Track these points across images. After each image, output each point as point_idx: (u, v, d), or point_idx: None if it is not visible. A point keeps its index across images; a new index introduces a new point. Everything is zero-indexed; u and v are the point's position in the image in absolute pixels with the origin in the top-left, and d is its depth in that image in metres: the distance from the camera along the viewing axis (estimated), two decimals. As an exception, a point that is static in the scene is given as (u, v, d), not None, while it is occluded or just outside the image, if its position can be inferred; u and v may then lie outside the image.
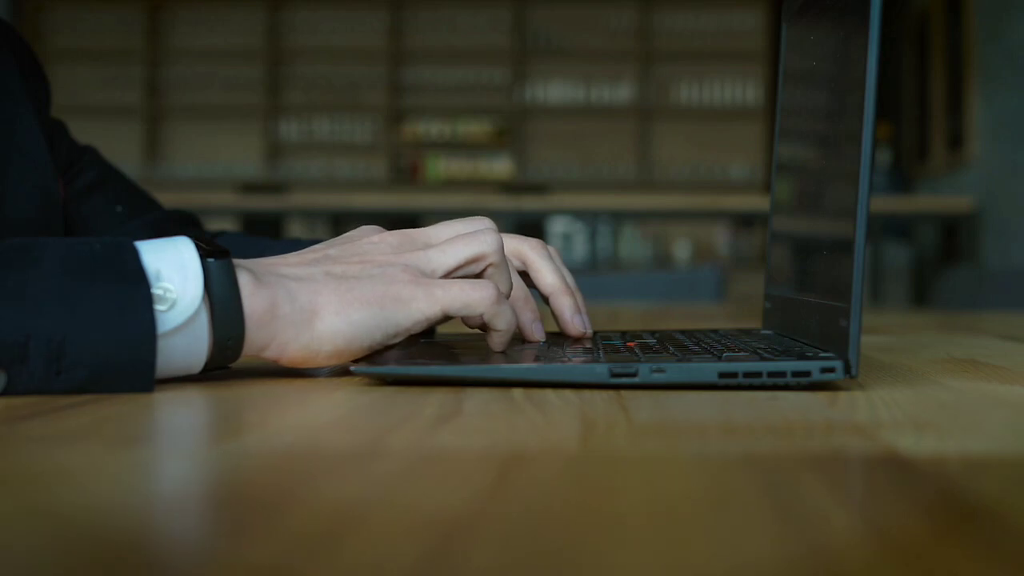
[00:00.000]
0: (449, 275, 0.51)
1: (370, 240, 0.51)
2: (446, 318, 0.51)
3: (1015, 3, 3.82)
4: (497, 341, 0.52)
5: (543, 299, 0.63)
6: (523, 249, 0.62)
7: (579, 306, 0.62)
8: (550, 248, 0.64)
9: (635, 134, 5.73)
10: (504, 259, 0.53)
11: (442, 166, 5.78)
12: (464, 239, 0.52)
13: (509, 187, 4.99)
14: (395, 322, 0.48)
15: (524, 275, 0.63)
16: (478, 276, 0.53)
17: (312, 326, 0.47)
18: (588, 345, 0.56)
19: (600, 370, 0.45)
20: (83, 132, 0.84)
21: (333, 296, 0.47)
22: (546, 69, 5.77)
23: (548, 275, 0.62)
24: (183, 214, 0.87)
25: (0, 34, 0.72)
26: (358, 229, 0.53)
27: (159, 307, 0.43)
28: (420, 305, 0.48)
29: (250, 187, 4.57)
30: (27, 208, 0.68)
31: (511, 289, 0.54)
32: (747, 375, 0.45)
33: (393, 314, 0.48)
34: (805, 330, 0.54)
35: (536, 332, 0.58)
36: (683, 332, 0.64)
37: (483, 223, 0.54)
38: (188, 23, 5.79)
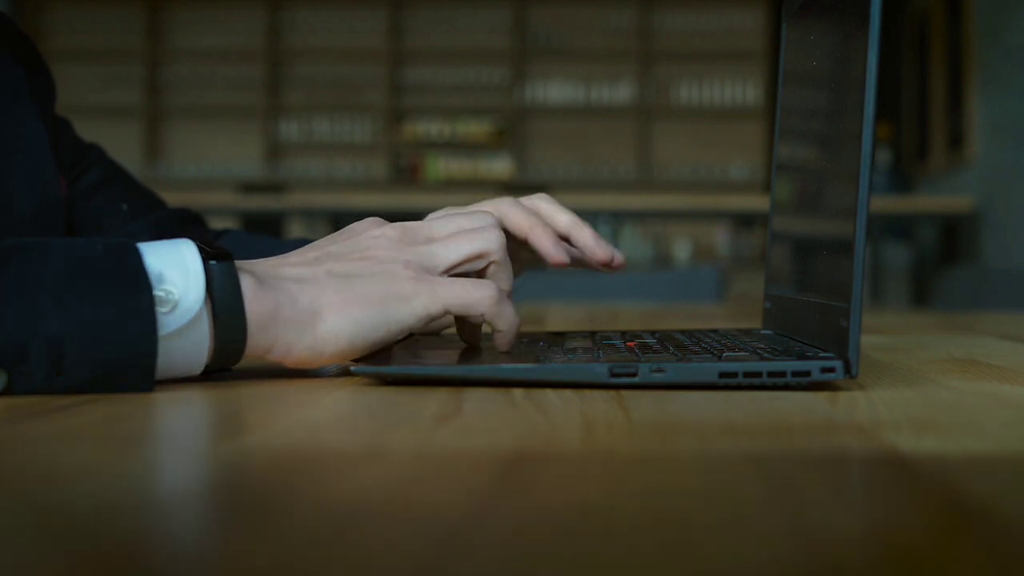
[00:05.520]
0: (450, 270, 0.51)
1: (371, 234, 0.51)
2: (447, 316, 0.51)
3: (1015, 3, 3.82)
4: (502, 341, 0.52)
5: (563, 239, 0.66)
6: (535, 203, 0.66)
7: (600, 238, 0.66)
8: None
9: (635, 134, 5.73)
10: (506, 257, 0.53)
11: (442, 166, 5.78)
12: (467, 235, 0.52)
13: (509, 187, 4.99)
14: (398, 319, 0.48)
15: (525, 251, 0.66)
16: (479, 273, 0.53)
17: (315, 327, 0.47)
18: (588, 344, 0.56)
19: (600, 370, 0.45)
20: (83, 132, 0.84)
21: (335, 296, 0.47)
22: (546, 69, 5.77)
23: (562, 215, 0.66)
24: (187, 213, 0.87)
25: (2, 31, 0.72)
26: (360, 222, 0.53)
27: (160, 309, 0.43)
28: (423, 301, 0.48)
29: (250, 187, 4.57)
30: (30, 207, 0.68)
31: (511, 288, 0.54)
32: (747, 375, 0.45)
33: (396, 312, 0.48)
34: (805, 330, 0.54)
35: (558, 254, 0.62)
36: (683, 332, 0.64)
37: (486, 219, 0.54)
38: (188, 23, 5.79)
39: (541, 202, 0.67)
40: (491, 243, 0.52)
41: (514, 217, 0.64)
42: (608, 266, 0.66)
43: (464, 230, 0.52)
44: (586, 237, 0.65)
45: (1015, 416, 0.40)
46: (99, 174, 0.81)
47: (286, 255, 0.50)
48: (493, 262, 0.52)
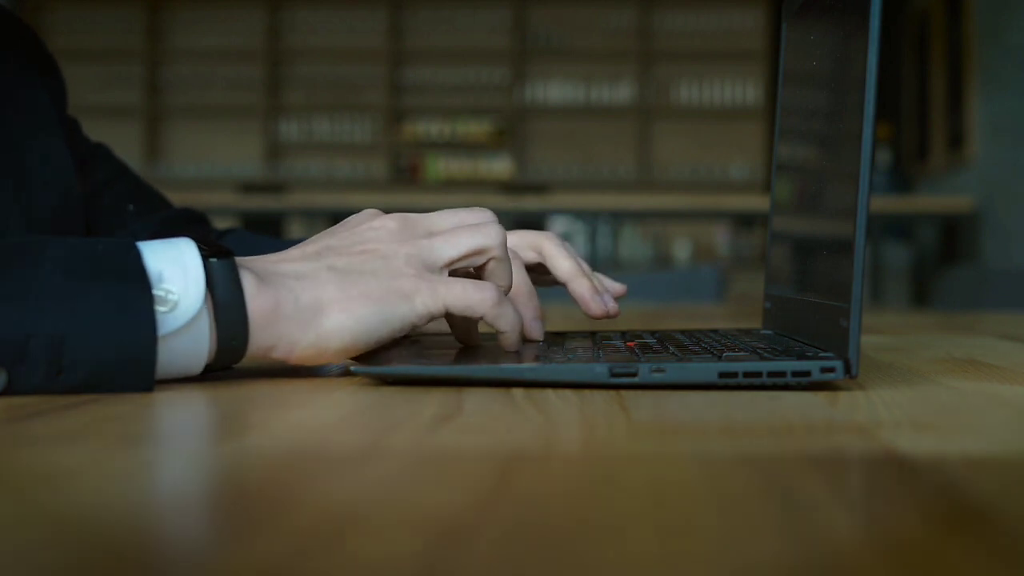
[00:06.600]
0: (451, 265, 0.51)
1: (370, 225, 0.51)
2: (448, 315, 0.51)
3: (1015, 3, 3.82)
4: (506, 342, 0.52)
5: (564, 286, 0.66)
6: (539, 241, 0.65)
7: (598, 288, 0.64)
8: (564, 243, 0.67)
9: (635, 134, 5.73)
10: (507, 253, 0.53)
11: (442, 166, 5.78)
12: (468, 230, 0.51)
13: (509, 187, 4.99)
14: (400, 316, 0.48)
15: (532, 272, 0.65)
16: (479, 268, 0.53)
17: (318, 324, 0.46)
18: (588, 344, 0.56)
19: (600, 370, 0.45)
20: (83, 132, 0.84)
21: (337, 293, 0.47)
22: (546, 69, 5.77)
23: (564, 261, 0.65)
24: (192, 212, 0.87)
25: (16, 33, 0.72)
26: (358, 214, 0.53)
27: (160, 308, 0.43)
28: (424, 299, 0.48)
29: (250, 187, 4.57)
30: (50, 206, 0.68)
31: (511, 284, 0.54)
32: (747, 375, 0.45)
33: (397, 308, 0.48)
34: (805, 330, 0.54)
35: (535, 331, 0.58)
36: (683, 332, 0.64)
37: (485, 215, 0.54)
38: (188, 23, 5.79)
39: (546, 241, 0.66)
40: (492, 239, 0.52)
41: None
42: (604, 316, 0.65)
43: (465, 225, 0.52)
44: (583, 289, 0.64)
45: (1015, 416, 0.40)
46: (106, 174, 0.81)
47: (285, 251, 0.50)
48: (493, 258, 0.52)
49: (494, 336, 0.53)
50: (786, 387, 0.46)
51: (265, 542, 0.21)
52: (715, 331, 0.64)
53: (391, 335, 0.48)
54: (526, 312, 0.58)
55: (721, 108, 5.70)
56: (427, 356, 0.51)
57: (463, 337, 0.57)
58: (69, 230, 0.70)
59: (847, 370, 0.45)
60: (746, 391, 0.45)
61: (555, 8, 5.74)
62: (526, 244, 0.66)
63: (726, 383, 0.45)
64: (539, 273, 0.69)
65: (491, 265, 0.52)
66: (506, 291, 0.53)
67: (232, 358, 0.46)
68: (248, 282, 0.45)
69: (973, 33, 4.18)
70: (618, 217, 4.37)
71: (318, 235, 0.52)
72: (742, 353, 0.48)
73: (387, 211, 0.53)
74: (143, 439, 0.35)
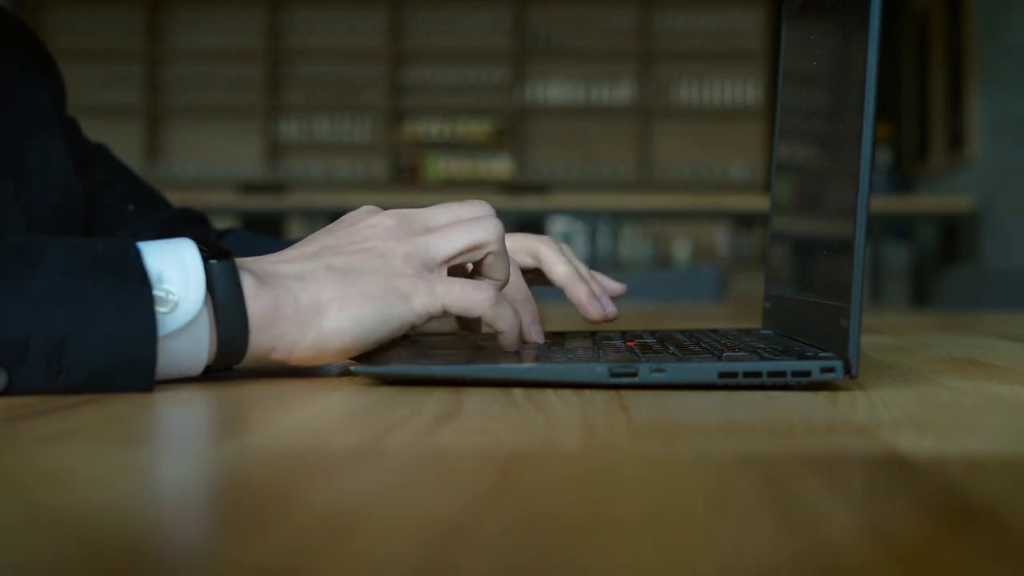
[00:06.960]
0: (449, 262, 0.51)
1: (368, 223, 0.51)
2: (446, 315, 0.51)
3: (1015, 3, 3.82)
4: (505, 342, 0.52)
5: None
6: (535, 245, 0.65)
7: (595, 291, 0.63)
8: (563, 245, 0.66)
9: (635, 134, 5.72)
10: (504, 248, 0.52)
11: (442, 166, 5.78)
12: (466, 225, 0.51)
13: (509, 187, 4.99)
14: (398, 316, 0.48)
15: (531, 274, 0.65)
16: (478, 264, 0.52)
17: (318, 324, 0.46)
18: (588, 344, 0.56)
19: (600, 370, 0.45)
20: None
21: (336, 292, 0.47)
22: (546, 69, 5.76)
23: (560, 266, 0.65)
24: (192, 212, 0.87)
25: (17, 34, 0.72)
26: (355, 211, 0.53)
27: (160, 309, 0.43)
28: (423, 299, 0.48)
29: (250, 187, 4.57)
30: (50, 206, 0.68)
31: (508, 279, 0.54)
32: (747, 375, 0.45)
33: (396, 308, 0.48)
34: (805, 330, 0.54)
35: (535, 334, 0.58)
36: (683, 332, 0.64)
37: (483, 209, 0.53)
38: (188, 23, 5.79)
39: (542, 246, 0.65)
40: (489, 233, 0.51)
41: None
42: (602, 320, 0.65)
43: (462, 220, 0.52)
44: (580, 294, 0.64)
45: (1015, 416, 0.40)
46: (106, 174, 0.81)
47: (283, 251, 0.50)
48: (491, 253, 0.52)
49: (494, 336, 0.53)
50: (786, 387, 0.46)
51: (265, 542, 0.21)
52: (715, 331, 0.64)
53: (390, 335, 0.48)
54: (524, 316, 0.58)
55: (721, 108, 5.70)
56: (427, 356, 0.51)
57: (466, 328, 0.57)
58: (69, 230, 0.70)
59: (847, 370, 0.45)
60: (746, 391, 0.45)
61: (555, 8, 5.74)
62: (522, 249, 0.66)
63: (726, 383, 0.45)
64: (536, 275, 0.69)
65: (489, 259, 0.52)
66: (503, 285, 0.53)
67: (232, 359, 0.46)
68: (248, 283, 0.45)
69: (973, 33, 4.18)
70: (618, 217, 4.37)
71: (316, 234, 0.52)
72: (742, 353, 0.48)
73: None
74: (143, 439, 0.35)
